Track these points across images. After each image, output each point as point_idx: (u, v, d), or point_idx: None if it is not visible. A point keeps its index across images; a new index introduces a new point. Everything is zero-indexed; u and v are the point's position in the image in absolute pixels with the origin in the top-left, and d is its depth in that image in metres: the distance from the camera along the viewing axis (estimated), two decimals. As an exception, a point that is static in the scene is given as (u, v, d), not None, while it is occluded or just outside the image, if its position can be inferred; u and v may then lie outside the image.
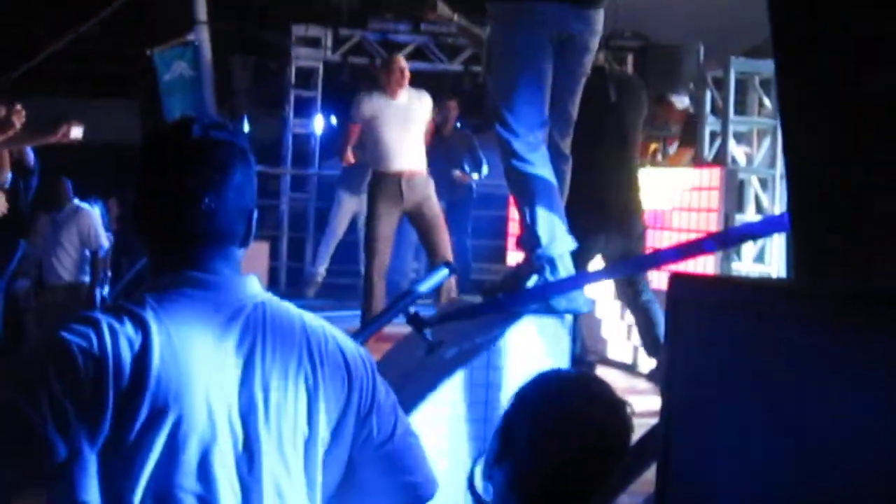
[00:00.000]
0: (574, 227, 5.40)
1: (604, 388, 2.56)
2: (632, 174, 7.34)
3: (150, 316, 2.20)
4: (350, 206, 13.08)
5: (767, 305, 1.64)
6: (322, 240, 13.41)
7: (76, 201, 10.64)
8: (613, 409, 2.49)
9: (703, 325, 1.82)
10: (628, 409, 2.50)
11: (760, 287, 1.77)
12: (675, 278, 1.94)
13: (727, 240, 4.67)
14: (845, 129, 2.28)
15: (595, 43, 5.31)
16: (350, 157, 10.40)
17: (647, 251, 7.51)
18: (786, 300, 1.62)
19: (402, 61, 9.59)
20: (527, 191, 5.07)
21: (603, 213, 6.88)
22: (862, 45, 2.25)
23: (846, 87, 2.27)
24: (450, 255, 9.03)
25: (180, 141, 2.37)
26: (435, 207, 9.27)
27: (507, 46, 5.14)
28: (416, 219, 9.29)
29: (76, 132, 8.66)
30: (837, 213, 2.25)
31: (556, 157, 5.23)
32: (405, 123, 9.23)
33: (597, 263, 6.82)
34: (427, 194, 9.19)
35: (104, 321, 2.17)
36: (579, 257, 5.75)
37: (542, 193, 5.04)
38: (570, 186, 5.52)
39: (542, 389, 2.55)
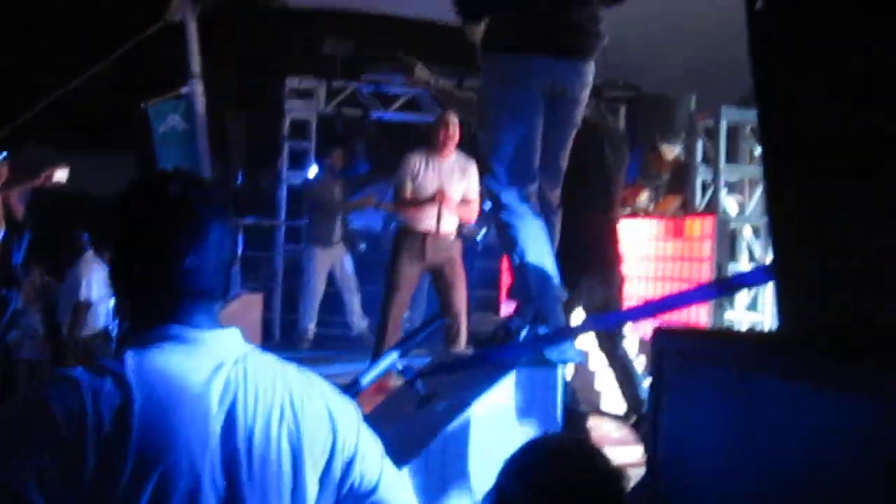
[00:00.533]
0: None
1: (598, 458, 2.53)
2: (613, 226, 7.35)
3: (130, 372, 2.20)
4: (324, 260, 13.13)
5: (748, 359, 1.65)
6: (304, 299, 13.43)
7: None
8: (607, 479, 2.46)
9: (686, 377, 1.84)
10: (623, 481, 2.47)
11: (741, 341, 1.79)
12: (659, 332, 1.96)
13: (710, 292, 4.68)
14: (824, 176, 2.31)
15: (585, 95, 5.34)
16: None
17: (627, 302, 7.51)
18: (765, 354, 1.64)
19: (453, 127, 9.29)
20: (517, 243, 5.08)
21: (587, 263, 6.91)
22: (840, 97, 2.28)
23: (825, 135, 2.30)
24: (463, 314, 9.05)
25: (159, 199, 2.38)
26: (457, 268, 9.26)
27: (497, 100, 5.16)
28: (436, 276, 9.35)
29: (60, 175, 8.82)
30: (819, 258, 2.27)
31: (546, 209, 5.25)
32: (444, 185, 9.21)
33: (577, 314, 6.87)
34: (451, 256, 9.23)
35: (84, 379, 2.17)
36: (564, 307, 5.78)
37: (532, 245, 5.05)
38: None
39: (536, 456, 2.54)
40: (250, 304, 11.47)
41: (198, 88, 10.83)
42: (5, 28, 18.84)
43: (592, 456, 2.54)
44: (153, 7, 11.32)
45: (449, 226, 9.25)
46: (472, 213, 9.50)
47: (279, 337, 14.46)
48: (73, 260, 10.67)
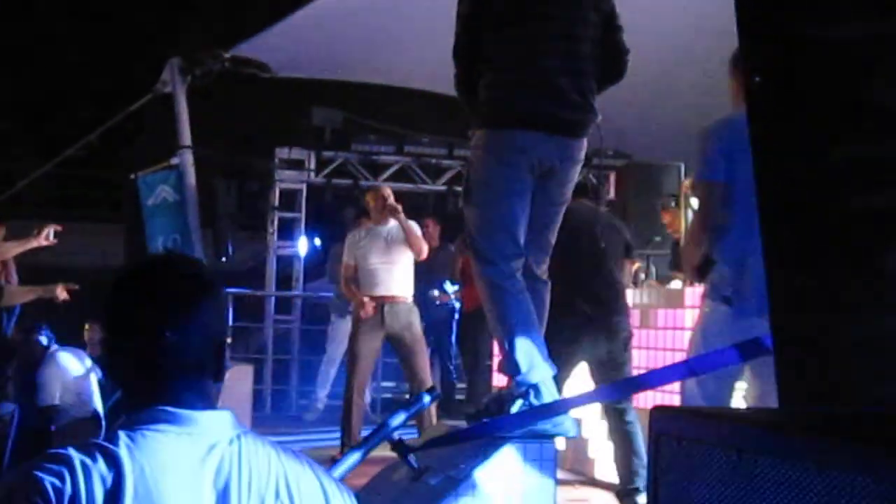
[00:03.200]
0: (558, 335, 5.47)
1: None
2: (610, 287, 7.33)
3: (123, 453, 2.18)
4: (343, 330, 13.10)
5: (746, 441, 1.63)
6: (321, 367, 13.44)
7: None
8: None
9: (684, 458, 1.81)
10: None
11: (740, 421, 1.77)
12: (657, 411, 1.94)
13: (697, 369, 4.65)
14: (822, 248, 2.30)
15: (575, 173, 5.34)
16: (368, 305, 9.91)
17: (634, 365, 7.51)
18: (764, 435, 1.62)
19: (386, 191, 9.78)
20: (504, 319, 5.07)
21: (585, 317, 6.95)
22: (838, 168, 2.28)
23: (823, 206, 2.30)
24: (428, 380, 9.19)
25: (143, 277, 2.41)
26: (417, 334, 9.49)
27: (486, 176, 5.16)
28: (396, 344, 9.56)
29: (49, 232, 8.97)
30: (819, 337, 2.25)
31: (533, 283, 5.23)
32: (388, 251, 9.48)
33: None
34: (409, 321, 9.45)
35: (77, 459, 2.15)
36: (564, 364, 5.79)
37: (519, 321, 5.04)
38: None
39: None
40: (241, 375, 11.40)
41: (188, 159, 10.83)
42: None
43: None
44: (142, 79, 11.36)
45: (404, 292, 9.47)
46: (420, 243, 9.60)
47: (270, 408, 14.40)
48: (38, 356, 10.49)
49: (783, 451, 1.58)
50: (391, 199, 9.66)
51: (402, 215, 9.56)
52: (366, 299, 9.48)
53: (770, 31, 2.46)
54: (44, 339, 10.36)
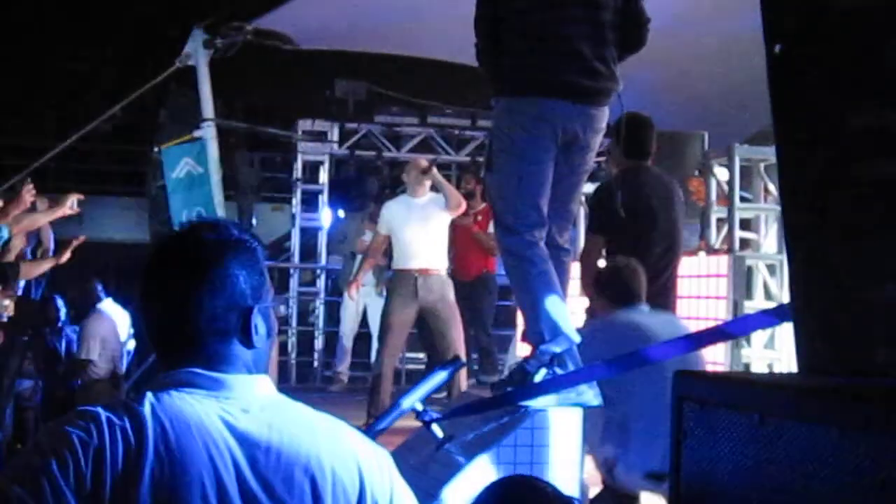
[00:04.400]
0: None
1: (558, 498, 2.55)
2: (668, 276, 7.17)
3: (147, 411, 2.21)
4: (354, 304, 13.19)
5: (768, 405, 1.64)
6: (337, 341, 13.50)
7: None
8: None
9: (706, 422, 1.83)
10: None
11: (762, 386, 1.78)
12: (679, 376, 1.95)
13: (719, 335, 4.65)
14: (842, 216, 2.31)
15: (597, 141, 5.32)
16: (360, 281, 10.84)
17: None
18: (786, 400, 1.63)
19: (422, 162, 9.88)
20: (527, 288, 5.07)
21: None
22: (859, 135, 2.28)
23: (842, 175, 2.30)
24: (462, 352, 9.16)
25: (169, 246, 2.45)
26: (451, 305, 9.52)
27: (509, 144, 5.15)
28: (431, 316, 9.58)
29: (73, 200, 9.10)
30: (839, 300, 2.26)
31: (555, 252, 5.23)
32: (423, 223, 9.52)
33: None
34: (443, 293, 9.47)
35: (103, 415, 2.19)
36: None
37: (542, 290, 5.03)
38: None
39: (497, 496, 2.56)
40: (266, 348, 11.46)
41: (211, 132, 10.85)
42: (16, 77, 18.97)
43: (554, 496, 2.55)
44: (166, 52, 11.38)
45: (438, 264, 9.51)
46: (458, 197, 9.75)
47: (295, 380, 14.46)
48: (88, 309, 10.72)
49: (805, 414, 1.59)
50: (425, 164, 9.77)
51: (436, 173, 9.66)
52: (353, 289, 10.09)
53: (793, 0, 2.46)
54: (61, 309, 10.51)
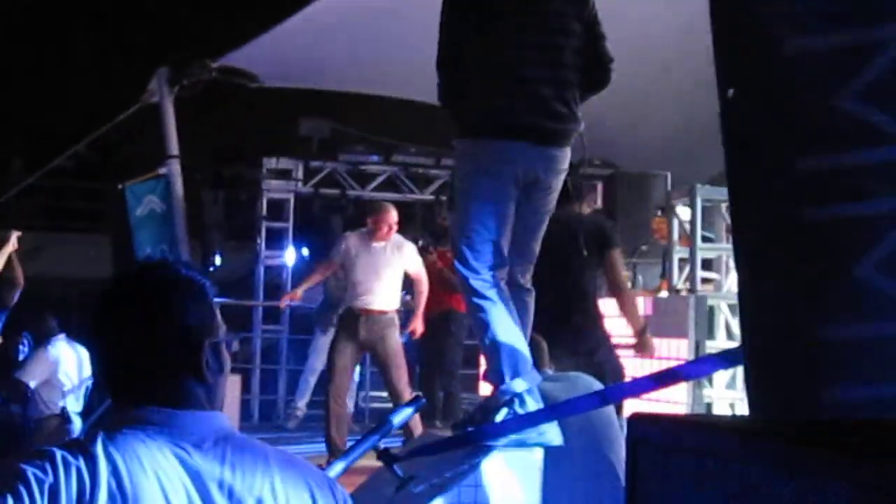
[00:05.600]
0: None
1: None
2: (584, 298, 7.32)
3: (99, 450, 2.21)
4: (325, 342, 13.19)
5: (721, 448, 1.65)
6: (301, 375, 13.48)
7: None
8: None
9: (661, 465, 1.83)
10: None
11: (715, 428, 1.78)
12: (634, 418, 1.95)
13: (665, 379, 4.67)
14: (791, 259, 2.33)
15: (559, 182, 5.34)
16: (298, 293, 11.14)
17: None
18: (739, 442, 1.63)
19: (393, 216, 9.82)
20: (488, 328, 5.08)
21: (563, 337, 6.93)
22: (808, 178, 2.31)
23: (792, 218, 2.33)
24: (406, 392, 9.24)
25: (121, 284, 2.48)
26: (391, 347, 9.59)
27: (471, 185, 5.17)
28: (373, 356, 9.98)
29: (14, 236, 9.21)
30: (787, 342, 2.28)
31: (517, 291, 5.25)
32: (378, 268, 9.63)
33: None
34: (383, 334, 9.56)
35: (58, 454, 2.19)
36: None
37: (503, 330, 5.04)
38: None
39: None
40: (228, 385, 11.35)
41: (175, 169, 10.83)
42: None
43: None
44: (129, 89, 11.36)
45: (384, 305, 9.56)
46: (422, 286, 10.03)
47: (258, 418, 14.41)
48: (40, 343, 10.63)
49: (757, 457, 1.60)
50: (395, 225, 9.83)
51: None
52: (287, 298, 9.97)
53: (744, 44, 2.49)
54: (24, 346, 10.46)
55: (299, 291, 11.11)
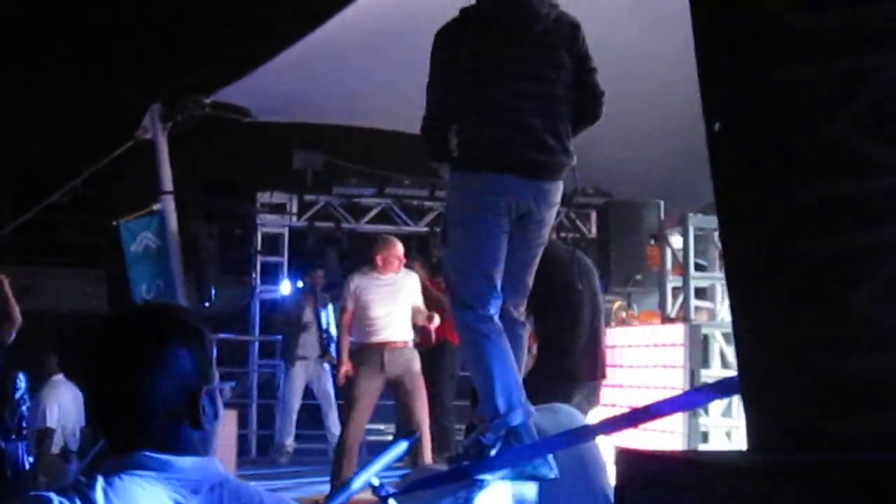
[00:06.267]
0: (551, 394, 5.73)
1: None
2: (599, 342, 7.34)
3: (98, 496, 2.21)
4: (299, 374, 13.27)
5: (708, 486, 1.65)
6: (280, 416, 13.51)
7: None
8: None
9: (648, 502, 1.83)
10: None
11: (702, 466, 1.78)
12: (622, 454, 1.95)
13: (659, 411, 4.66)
14: (788, 291, 2.32)
15: (552, 215, 5.34)
16: (348, 367, 9.94)
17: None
18: (725, 481, 1.63)
19: (400, 249, 9.79)
20: (481, 362, 5.07)
21: (577, 383, 6.97)
22: (800, 209, 2.31)
23: (787, 250, 2.32)
24: (426, 422, 9.15)
25: (117, 327, 2.46)
26: (416, 377, 9.48)
27: (462, 219, 5.17)
28: (396, 388, 9.57)
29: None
30: (786, 374, 2.28)
31: (511, 325, 5.25)
32: (392, 299, 9.57)
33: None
34: (408, 366, 9.46)
35: (55, 500, 2.19)
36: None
37: (496, 364, 5.03)
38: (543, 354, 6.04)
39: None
40: (225, 421, 11.31)
41: (170, 205, 10.85)
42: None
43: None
44: (124, 126, 11.38)
45: (404, 336, 9.53)
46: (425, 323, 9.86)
47: (255, 453, 14.38)
48: (42, 381, 10.65)
49: (744, 496, 1.60)
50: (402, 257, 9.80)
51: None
52: (343, 374, 9.73)
53: (729, 75, 2.49)
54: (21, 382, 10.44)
55: (348, 366, 9.99)
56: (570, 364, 6.97)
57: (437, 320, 9.75)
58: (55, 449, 10.34)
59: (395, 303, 9.54)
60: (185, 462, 2.33)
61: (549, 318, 6.79)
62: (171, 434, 2.35)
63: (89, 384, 2.42)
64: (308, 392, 13.53)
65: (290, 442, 13.35)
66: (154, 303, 2.55)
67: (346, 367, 9.75)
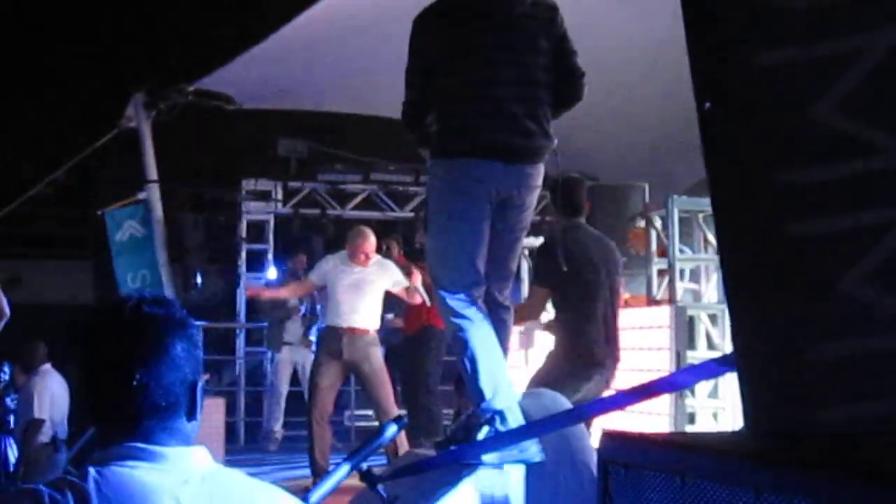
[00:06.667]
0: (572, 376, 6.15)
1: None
2: (615, 320, 7.34)
3: (91, 488, 2.20)
4: (286, 360, 13.30)
5: (689, 467, 1.66)
6: (269, 402, 13.54)
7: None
8: None
9: (631, 484, 1.84)
10: None
11: (683, 447, 1.79)
12: (606, 437, 1.97)
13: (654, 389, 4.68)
14: (777, 273, 2.34)
15: (533, 199, 5.34)
16: (264, 294, 11.46)
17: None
18: (705, 462, 1.65)
19: (369, 245, 9.79)
20: (467, 346, 5.09)
21: (596, 363, 7.00)
22: (791, 191, 2.32)
23: (775, 232, 2.33)
24: (392, 410, 9.19)
25: (112, 320, 2.42)
26: (376, 365, 9.57)
27: (444, 206, 5.18)
28: (357, 375, 9.80)
29: None
30: (779, 358, 2.28)
31: (495, 309, 5.26)
32: (359, 288, 9.62)
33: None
34: (367, 353, 9.55)
35: (46, 494, 2.18)
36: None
37: (481, 348, 5.05)
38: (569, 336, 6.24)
39: None
40: (213, 409, 11.39)
41: (154, 194, 10.83)
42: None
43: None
44: (107, 115, 11.36)
45: (367, 325, 9.58)
46: (413, 298, 9.95)
47: (243, 440, 14.38)
48: (30, 372, 10.62)
49: (723, 476, 1.62)
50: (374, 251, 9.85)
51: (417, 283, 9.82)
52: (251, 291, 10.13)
53: (720, 57, 2.49)
54: (5, 374, 10.42)
55: (265, 294, 11.34)
56: (589, 345, 7.00)
57: (419, 282, 9.79)
58: (44, 438, 10.32)
59: (359, 294, 9.60)
60: (177, 452, 2.34)
61: (569, 297, 6.97)
62: (166, 426, 2.35)
63: (88, 379, 2.40)
64: (294, 378, 13.55)
65: (278, 428, 13.38)
66: (151, 295, 2.50)
67: (254, 290, 11.12)
